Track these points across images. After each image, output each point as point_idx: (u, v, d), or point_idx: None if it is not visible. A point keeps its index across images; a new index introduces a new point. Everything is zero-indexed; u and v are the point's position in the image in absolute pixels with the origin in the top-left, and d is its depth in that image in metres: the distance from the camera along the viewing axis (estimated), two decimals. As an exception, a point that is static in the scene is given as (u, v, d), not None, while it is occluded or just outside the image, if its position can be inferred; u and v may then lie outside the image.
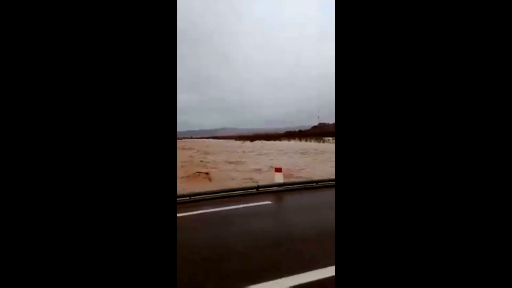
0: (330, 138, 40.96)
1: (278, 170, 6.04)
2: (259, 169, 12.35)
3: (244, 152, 24.83)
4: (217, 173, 11.38)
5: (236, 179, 9.73)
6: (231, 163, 16.19)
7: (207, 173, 10.90)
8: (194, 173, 10.89)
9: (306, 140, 43.05)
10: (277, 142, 42.34)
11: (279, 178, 5.94)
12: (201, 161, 17.37)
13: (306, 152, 22.09)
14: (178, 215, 4.17)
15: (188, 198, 5.23)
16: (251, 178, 9.55)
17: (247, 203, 4.81)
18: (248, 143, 44.69)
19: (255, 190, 5.74)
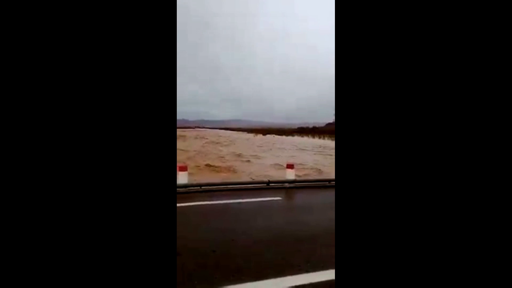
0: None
1: (290, 166, 5.99)
2: (281, 167, 11.30)
3: (258, 146, 24.45)
4: (232, 169, 11.07)
5: (252, 176, 9.39)
6: (252, 156, 15.70)
7: (230, 169, 10.58)
8: (212, 166, 10.62)
9: (319, 137, 42.37)
10: (290, 138, 42.01)
11: (290, 175, 5.88)
12: (217, 155, 17.32)
13: (324, 150, 21.58)
14: (187, 204, 4.21)
15: (199, 188, 5.27)
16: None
17: (258, 197, 4.79)
18: (260, 136, 44.61)
19: (265, 184, 5.71)
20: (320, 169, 10.95)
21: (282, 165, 10.94)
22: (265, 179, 6.00)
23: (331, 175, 9.97)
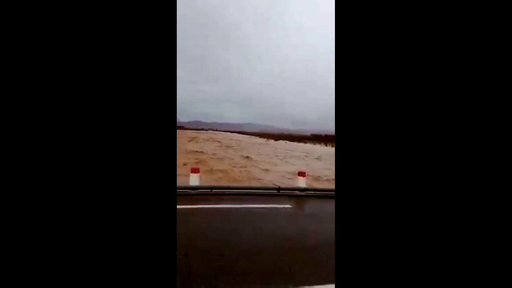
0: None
1: (302, 174, 5.92)
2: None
3: (272, 152, 23.85)
4: (247, 176, 10.32)
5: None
6: (267, 163, 14.59)
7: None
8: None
9: (332, 146, 41.74)
10: (302, 144, 41.59)
11: (301, 183, 5.81)
12: (230, 159, 17.12)
13: None
14: (196, 206, 4.24)
15: (210, 190, 5.30)
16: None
17: (268, 204, 4.75)
18: (272, 141, 44.42)
19: (276, 191, 5.66)
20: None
21: (308, 174, 10.52)
22: (276, 186, 5.96)
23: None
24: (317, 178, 10.59)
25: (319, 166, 15.24)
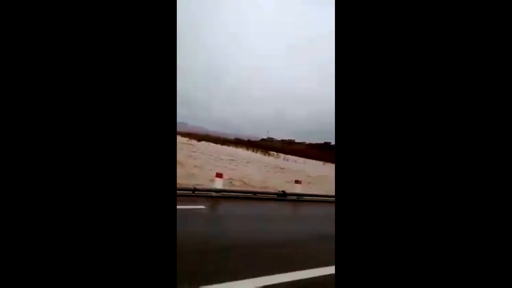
0: (275, 153, 42.52)
1: (219, 175, 5.98)
2: (231, 181, 9.21)
3: (194, 152, 22.44)
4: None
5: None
6: (189, 164, 13.10)
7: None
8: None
9: (253, 151, 43.75)
10: (225, 147, 42.00)
11: (218, 184, 5.85)
12: None
13: (268, 165, 20.40)
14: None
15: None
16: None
17: (181, 205, 4.56)
18: (194, 142, 43.11)
19: (191, 192, 5.51)
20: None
21: (234, 179, 10.05)
22: (191, 186, 5.80)
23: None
24: (245, 183, 10.60)
25: (248, 171, 15.01)
